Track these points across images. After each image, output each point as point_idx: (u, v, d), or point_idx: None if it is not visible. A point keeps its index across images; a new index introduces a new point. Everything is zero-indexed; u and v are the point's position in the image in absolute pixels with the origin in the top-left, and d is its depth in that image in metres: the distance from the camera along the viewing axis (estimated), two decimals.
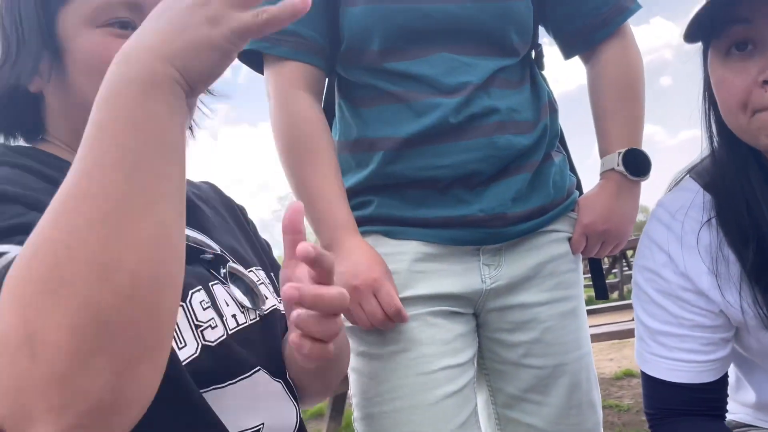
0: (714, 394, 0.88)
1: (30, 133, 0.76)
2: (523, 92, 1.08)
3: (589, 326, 3.66)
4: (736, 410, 1.00)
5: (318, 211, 1.03)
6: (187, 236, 0.75)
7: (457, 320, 1.06)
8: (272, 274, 0.89)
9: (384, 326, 1.00)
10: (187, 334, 0.66)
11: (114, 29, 0.69)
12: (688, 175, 0.92)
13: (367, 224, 1.07)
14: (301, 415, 0.80)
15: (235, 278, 0.79)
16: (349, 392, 1.14)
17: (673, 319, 0.86)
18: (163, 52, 0.48)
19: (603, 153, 1.14)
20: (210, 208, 0.87)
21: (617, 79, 1.14)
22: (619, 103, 1.13)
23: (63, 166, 0.65)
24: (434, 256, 1.05)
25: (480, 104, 1.02)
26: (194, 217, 0.81)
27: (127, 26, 0.70)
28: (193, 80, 0.49)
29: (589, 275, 1.30)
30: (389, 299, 0.97)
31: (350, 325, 1.08)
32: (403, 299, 1.02)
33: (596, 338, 3.18)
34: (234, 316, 0.75)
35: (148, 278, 0.44)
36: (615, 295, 7.91)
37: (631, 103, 1.13)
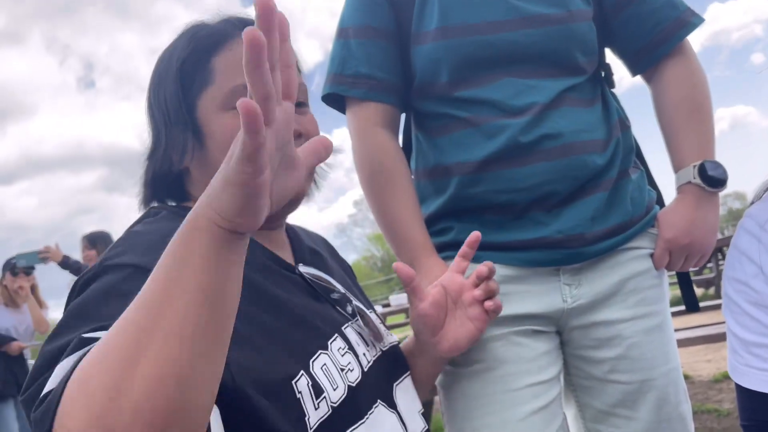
0: None
1: (178, 200, 0.88)
2: (595, 111, 1.11)
3: (685, 328, 3.50)
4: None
5: (397, 235, 1.12)
6: (319, 276, 0.88)
7: (541, 338, 1.09)
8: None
9: None
10: (336, 377, 0.76)
11: None
12: None
13: (448, 249, 1.12)
14: None
15: (359, 315, 0.89)
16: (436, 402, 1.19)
17: (767, 330, 0.87)
18: (207, 197, 0.52)
19: (677, 168, 1.14)
20: (326, 252, 1.00)
21: (683, 96, 1.15)
22: (687, 119, 1.14)
23: None
24: (515, 278, 1.08)
25: (550, 124, 1.05)
26: (320, 261, 0.94)
27: None
28: (230, 217, 0.51)
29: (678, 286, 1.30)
30: None
31: None
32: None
33: (692, 342, 3.08)
34: (364, 354, 0.85)
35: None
36: (711, 291, 7.56)
37: (699, 116, 1.14)
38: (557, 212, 1.07)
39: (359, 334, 0.86)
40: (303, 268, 0.87)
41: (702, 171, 1.10)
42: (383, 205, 1.14)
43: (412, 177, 1.20)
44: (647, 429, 1.09)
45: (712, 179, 1.10)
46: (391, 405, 0.85)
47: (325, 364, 0.75)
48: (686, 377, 3.94)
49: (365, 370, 0.82)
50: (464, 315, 0.96)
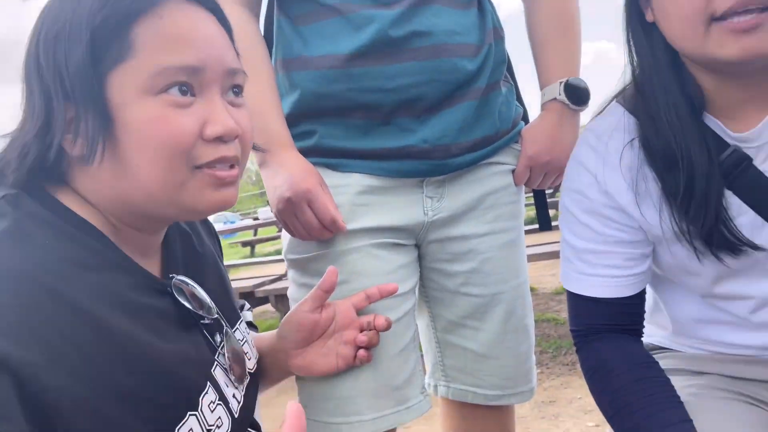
0: (633, 309, 0.93)
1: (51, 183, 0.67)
2: (469, 15, 1.06)
3: (535, 244, 3.77)
4: (652, 333, 1.06)
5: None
6: (192, 292, 0.74)
7: (399, 251, 1.08)
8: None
9: (321, 235, 1.02)
10: None
11: (172, 95, 0.63)
12: (614, 101, 0.94)
13: (311, 155, 1.05)
14: None
15: (229, 338, 0.80)
16: None
17: (597, 237, 0.90)
18: None
19: (544, 84, 1.15)
20: (200, 245, 0.86)
21: (556, 12, 1.14)
22: (556, 35, 1.14)
23: (78, 223, 0.64)
24: (378, 188, 1.05)
25: (421, 20, 0.99)
26: (194, 261, 0.81)
27: (186, 92, 0.64)
28: None
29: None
30: (324, 209, 0.99)
31: (293, 256, 1.09)
32: (348, 231, 1.03)
33: (539, 257, 3.30)
34: (234, 395, 0.77)
35: None
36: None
37: (570, 34, 1.14)
38: (425, 119, 1.03)
39: (226, 370, 0.77)
40: (176, 284, 0.72)
41: (567, 88, 1.11)
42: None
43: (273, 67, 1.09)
44: (494, 339, 1.14)
45: (577, 97, 1.11)
46: (254, 426, 0.83)
47: (191, 429, 0.65)
48: (532, 289, 4.26)
49: (235, 416, 0.75)
50: (334, 347, 0.95)
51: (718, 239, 0.82)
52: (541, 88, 1.15)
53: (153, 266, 0.74)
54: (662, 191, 0.85)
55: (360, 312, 0.98)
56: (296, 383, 1.08)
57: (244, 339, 0.86)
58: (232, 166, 0.69)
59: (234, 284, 3.95)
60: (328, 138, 1.05)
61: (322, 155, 1.05)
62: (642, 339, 0.97)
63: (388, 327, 0.96)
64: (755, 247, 0.82)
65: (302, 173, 0.99)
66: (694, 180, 0.81)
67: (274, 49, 1.11)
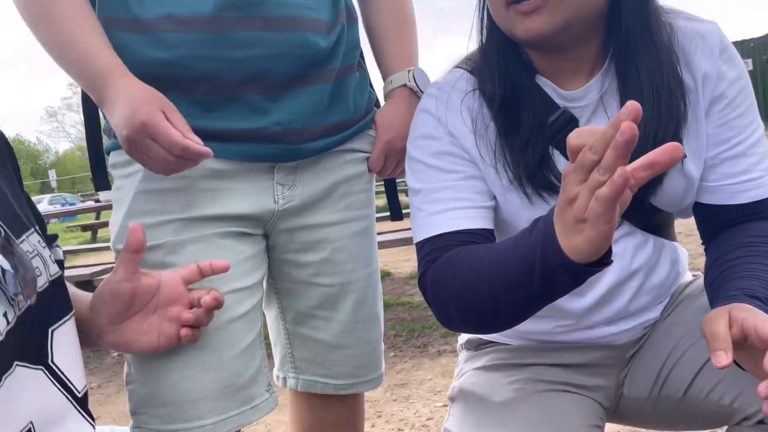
0: (485, 242, 0.92)
1: None
2: None
3: (389, 231, 3.84)
4: None
5: (75, 62, 0.89)
6: None
7: (247, 241, 1.02)
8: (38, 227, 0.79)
9: (184, 166, 0.89)
10: None
11: None
12: (454, 67, 0.99)
13: None
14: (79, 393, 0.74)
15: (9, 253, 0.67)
16: None
17: (447, 175, 0.91)
18: None
19: (388, 72, 1.15)
20: None
21: (391, 6, 1.17)
22: (396, 28, 1.17)
23: None
24: (224, 173, 0.98)
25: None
26: None
27: None
28: None
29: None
30: (168, 141, 0.85)
31: (122, 247, 0.98)
32: (186, 220, 0.96)
33: (394, 244, 3.37)
34: (5, 314, 0.65)
35: None
36: None
37: (408, 27, 1.18)
38: (276, 98, 0.97)
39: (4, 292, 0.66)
40: None
41: (417, 75, 1.12)
42: (51, 25, 0.90)
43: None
44: (344, 328, 1.12)
45: (423, 83, 1.13)
46: (38, 359, 0.70)
47: None
48: (388, 274, 4.38)
49: (2, 337, 0.64)
50: (156, 324, 0.86)
51: (541, 179, 0.89)
52: (385, 76, 1.16)
53: None
54: (497, 133, 0.90)
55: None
56: (126, 388, 0.99)
57: (35, 252, 0.74)
58: None
59: (70, 272, 3.62)
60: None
61: None
62: None
63: (218, 305, 0.88)
64: None
65: (136, 104, 0.85)
66: (526, 125, 0.88)
67: (97, 9, 0.96)
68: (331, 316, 1.11)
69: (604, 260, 0.67)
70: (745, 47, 18.14)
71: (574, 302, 0.96)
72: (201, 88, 0.94)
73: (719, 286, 0.82)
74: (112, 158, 1.02)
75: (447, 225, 0.89)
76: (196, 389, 0.93)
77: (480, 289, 0.79)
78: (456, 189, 0.90)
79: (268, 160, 1.00)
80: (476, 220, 0.90)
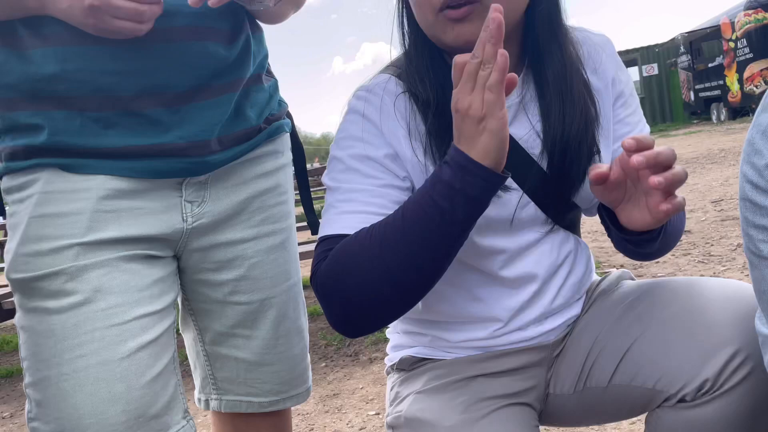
0: None
1: None
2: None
3: (310, 241, 3.78)
4: (412, 344, 1.09)
5: None
6: None
7: (155, 264, 0.97)
8: None
9: (153, 17, 0.86)
10: None
11: None
12: (380, 72, 0.99)
13: (37, 156, 0.90)
14: None
15: None
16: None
17: (365, 179, 0.90)
18: None
19: None
20: None
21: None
22: None
23: None
24: (127, 192, 0.93)
25: (169, 0, 0.90)
26: None
27: None
28: None
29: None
30: None
31: (17, 276, 0.91)
32: (87, 244, 0.90)
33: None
34: None
35: None
36: None
37: None
38: (178, 110, 0.94)
39: None
40: None
41: None
42: None
43: None
44: (266, 345, 1.09)
45: None
46: None
47: None
48: None
49: None
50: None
51: None
52: None
53: None
54: (429, 136, 0.92)
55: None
56: (28, 426, 0.92)
57: None
58: None
59: None
60: (61, 135, 0.90)
61: (54, 155, 0.91)
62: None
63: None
64: (506, 188, 0.92)
65: None
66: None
67: None
68: (252, 334, 1.08)
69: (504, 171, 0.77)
70: (650, 52, 19.18)
71: (507, 301, 0.98)
72: (94, 103, 0.90)
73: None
74: (5, 183, 0.96)
75: (350, 226, 0.86)
76: (103, 423, 0.88)
77: (392, 247, 0.78)
78: (371, 194, 0.89)
79: (174, 176, 0.96)
80: None
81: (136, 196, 0.94)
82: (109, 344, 0.89)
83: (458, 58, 0.74)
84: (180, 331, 1.14)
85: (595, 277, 1.11)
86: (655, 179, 0.71)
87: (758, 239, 0.76)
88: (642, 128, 1.01)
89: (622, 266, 3.51)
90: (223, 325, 1.08)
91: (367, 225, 0.84)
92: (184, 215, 0.99)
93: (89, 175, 0.91)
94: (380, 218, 0.85)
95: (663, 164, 0.73)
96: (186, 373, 1.21)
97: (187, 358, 1.18)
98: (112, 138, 0.91)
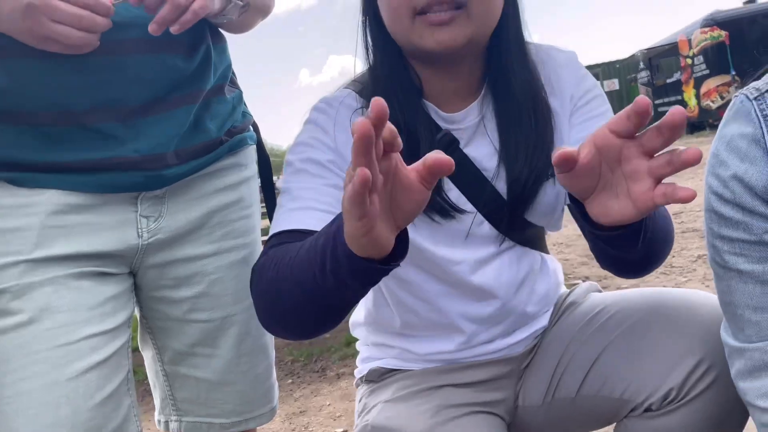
0: None
1: None
2: None
3: None
4: (381, 356, 1.08)
5: None
6: None
7: (108, 281, 0.93)
8: None
9: (95, 26, 0.81)
10: None
11: None
12: (343, 87, 0.99)
13: None
14: None
15: None
16: None
17: (313, 179, 0.90)
18: None
19: None
20: None
21: None
22: None
23: None
24: (78, 207, 0.90)
25: (122, 12, 0.87)
26: None
27: None
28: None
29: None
30: None
31: None
32: (34, 261, 0.86)
33: None
34: None
35: None
36: None
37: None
38: (134, 124, 0.91)
39: None
40: None
41: None
42: None
43: None
44: (227, 364, 1.06)
45: None
46: None
47: None
48: None
49: None
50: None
51: (431, 203, 0.88)
52: None
53: None
54: None
55: None
56: None
57: None
58: None
59: None
60: (8, 149, 0.87)
61: (2, 169, 0.87)
62: None
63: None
64: (461, 211, 0.92)
65: None
66: (415, 148, 0.88)
67: None
68: (213, 353, 1.05)
69: (391, 261, 0.64)
70: (611, 68, 19.67)
71: (470, 313, 0.98)
72: (46, 118, 0.86)
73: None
74: None
75: (296, 222, 0.85)
76: None
77: (285, 283, 0.75)
78: (318, 192, 0.89)
79: (128, 190, 0.93)
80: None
81: (88, 211, 0.91)
82: (54, 366, 0.85)
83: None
84: (140, 349, 1.10)
85: (564, 290, 1.12)
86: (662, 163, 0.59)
87: (724, 250, 0.76)
88: None
89: (587, 278, 3.55)
90: (183, 344, 1.04)
91: (313, 220, 0.83)
92: (140, 230, 0.96)
93: (38, 189, 0.88)
94: (325, 214, 0.84)
95: (666, 136, 0.59)
96: (147, 392, 1.17)
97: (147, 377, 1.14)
98: (64, 152, 0.88)
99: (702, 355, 0.87)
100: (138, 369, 1.11)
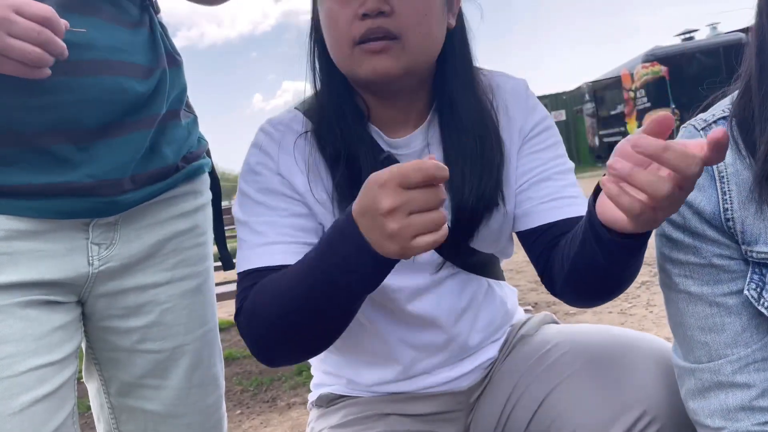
0: None
1: None
2: (137, 35, 0.96)
3: (230, 281, 3.64)
4: (330, 382, 1.08)
5: None
6: None
7: (55, 310, 0.90)
8: None
9: (53, 43, 0.77)
10: None
11: None
12: (292, 107, 1.00)
13: None
14: None
15: None
16: None
17: (271, 211, 0.92)
18: None
19: None
20: None
21: None
22: None
23: None
24: (26, 233, 0.87)
25: (78, 34, 0.85)
26: None
27: None
28: None
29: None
30: (35, 8, 0.75)
31: None
32: None
33: (232, 296, 3.24)
34: None
35: None
36: None
37: None
38: (87, 147, 0.88)
39: None
40: None
41: None
42: None
43: None
44: (177, 396, 1.03)
45: None
46: None
47: None
48: (233, 325, 4.20)
49: None
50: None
51: None
52: None
53: None
54: (331, 177, 0.93)
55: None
56: None
57: None
58: None
59: None
60: None
61: None
62: None
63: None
64: None
65: None
66: (357, 173, 0.90)
67: None
68: (162, 384, 1.02)
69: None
70: (558, 99, 20.28)
71: (409, 341, 0.97)
72: None
73: (575, 235, 0.82)
74: None
75: (266, 259, 0.88)
76: None
77: (296, 300, 0.79)
78: (278, 225, 0.91)
79: (79, 216, 0.91)
80: (296, 256, 0.87)
81: (36, 238, 0.88)
82: None
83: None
84: (83, 381, 1.06)
85: (519, 317, 1.12)
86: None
87: (674, 273, 0.79)
88: (557, 165, 0.96)
89: (536, 303, 3.61)
90: (131, 375, 1.01)
91: (280, 255, 0.88)
92: (90, 258, 0.93)
93: None
94: (292, 246, 0.89)
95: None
96: (89, 426, 1.12)
97: (90, 409, 1.09)
98: (13, 175, 0.85)
99: (646, 407, 0.86)
100: (79, 401, 1.07)
